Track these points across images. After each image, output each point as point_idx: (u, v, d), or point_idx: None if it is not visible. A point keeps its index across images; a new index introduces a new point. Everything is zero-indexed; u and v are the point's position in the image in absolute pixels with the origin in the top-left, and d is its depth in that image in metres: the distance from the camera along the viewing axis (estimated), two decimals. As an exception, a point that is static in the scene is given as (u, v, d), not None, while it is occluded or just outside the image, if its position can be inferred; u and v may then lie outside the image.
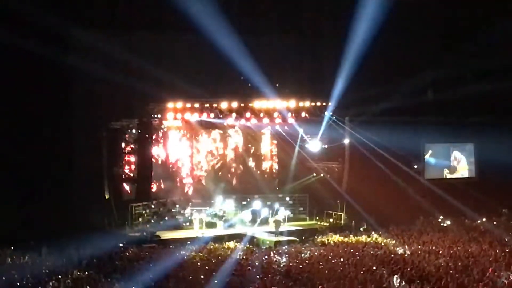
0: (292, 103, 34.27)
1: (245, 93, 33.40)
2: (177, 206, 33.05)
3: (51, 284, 19.07)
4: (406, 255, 23.61)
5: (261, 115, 34.14)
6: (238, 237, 29.42)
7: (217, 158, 36.36)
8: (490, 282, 17.90)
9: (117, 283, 18.92)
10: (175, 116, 32.71)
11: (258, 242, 29.24)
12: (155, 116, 32.95)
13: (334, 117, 34.78)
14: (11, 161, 29.34)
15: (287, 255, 24.65)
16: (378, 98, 33.03)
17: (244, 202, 34.09)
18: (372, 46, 31.43)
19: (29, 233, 26.80)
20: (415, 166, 36.80)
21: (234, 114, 33.38)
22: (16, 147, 29.43)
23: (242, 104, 33.51)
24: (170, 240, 29.16)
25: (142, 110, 32.60)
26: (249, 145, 37.10)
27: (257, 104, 33.80)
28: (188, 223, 31.86)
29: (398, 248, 25.46)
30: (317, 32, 35.61)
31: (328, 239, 28.81)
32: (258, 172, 37.17)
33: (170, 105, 32.29)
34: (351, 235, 29.50)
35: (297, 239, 29.53)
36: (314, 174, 36.52)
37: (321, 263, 22.48)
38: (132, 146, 33.36)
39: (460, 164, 37.92)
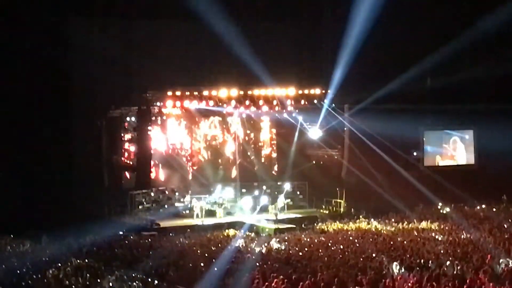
0: (291, 91, 34.22)
1: (244, 81, 33.34)
2: (177, 194, 33.08)
3: (51, 272, 19.08)
4: (405, 242, 23.60)
5: (261, 103, 34.11)
6: (237, 225, 29.49)
7: (217, 146, 36.32)
8: (489, 269, 17.88)
9: (117, 271, 18.91)
10: (174, 104, 32.69)
11: (258, 229, 29.30)
12: (154, 104, 32.93)
13: (333, 105, 34.73)
14: (10, 150, 29.37)
15: (286, 243, 24.67)
16: (377, 86, 32.95)
17: (243, 190, 34.13)
18: (371, 33, 31.34)
19: (29, 221, 26.84)
20: (415, 154, 36.78)
21: (233, 102, 33.34)
22: (16, 137, 29.44)
23: (242, 92, 33.47)
24: (170, 228, 29.22)
25: (140, 98, 32.58)
26: (249, 132, 37.05)
27: (257, 92, 33.77)
28: (187, 211, 31.90)
29: (397, 235, 25.46)
30: (317, 20, 35.53)
31: (327, 227, 28.83)
32: (257, 160, 37.14)
33: (169, 93, 32.28)
34: (350, 223, 29.52)
35: (297, 227, 29.56)
36: (314, 162, 36.54)
37: (320, 250, 22.49)
38: (131, 134, 33.39)
39: (458, 150, 37.88)
